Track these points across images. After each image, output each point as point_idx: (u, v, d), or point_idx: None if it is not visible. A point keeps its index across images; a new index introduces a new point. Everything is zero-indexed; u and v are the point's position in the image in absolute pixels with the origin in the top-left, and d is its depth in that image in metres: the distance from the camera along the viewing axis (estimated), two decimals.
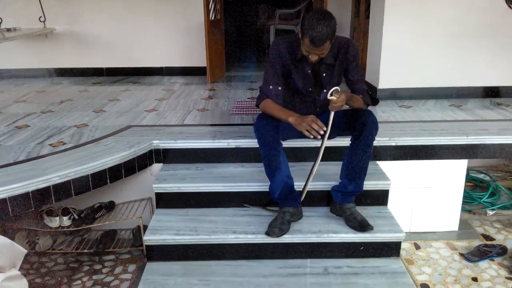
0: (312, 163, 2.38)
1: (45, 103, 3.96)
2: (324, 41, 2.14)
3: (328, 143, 2.41)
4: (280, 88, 2.46)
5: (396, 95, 3.86)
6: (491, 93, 3.88)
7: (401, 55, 3.73)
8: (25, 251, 2.02)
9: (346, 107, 2.39)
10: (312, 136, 2.26)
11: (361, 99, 2.47)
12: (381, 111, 3.48)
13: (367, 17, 4.27)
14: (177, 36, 5.24)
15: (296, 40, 2.36)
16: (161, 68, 5.38)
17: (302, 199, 2.49)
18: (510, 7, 1.24)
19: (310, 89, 2.50)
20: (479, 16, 3.63)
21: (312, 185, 2.56)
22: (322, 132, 2.23)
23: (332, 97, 2.17)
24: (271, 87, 2.44)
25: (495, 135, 2.89)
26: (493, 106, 3.62)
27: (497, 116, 3.35)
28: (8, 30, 4.62)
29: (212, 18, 4.80)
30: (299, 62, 2.41)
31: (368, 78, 4.11)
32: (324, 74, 2.44)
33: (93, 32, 5.21)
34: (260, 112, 2.56)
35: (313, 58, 2.27)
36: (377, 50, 3.81)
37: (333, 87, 2.19)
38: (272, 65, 2.44)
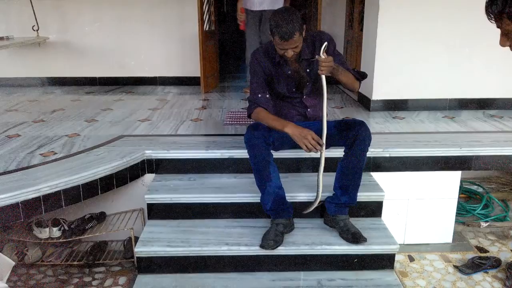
0: (310, 174, 2.36)
1: (37, 112, 3.93)
2: (293, 33, 2.17)
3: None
4: (268, 95, 2.48)
5: (390, 106, 3.87)
6: (484, 105, 3.91)
7: (395, 67, 3.75)
8: (13, 263, 1.99)
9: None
10: (310, 152, 2.26)
11: (350, 73, 2.43)
12: (374, 122, 3.49)
13: (361, 29, 4.29)
14: (171, 46, 5.25)
15: (272, 46, 2.40)
16: (155, 77, 5.37)
17: (309, 211, 2.47)
18: (490, 20, 1.24)
19: (293, 89, 2.52)
20: (472, 28, 3.66)
21: (306, 197, 2.54)
22: (320, 148, 2.24)
23: (320, 57, 2.17)
24: (259, 95, 2.46)
25: (488, 147, 2.89)
26: (486, 118, 3.64)
27: (490, 128, 3.37)
28: (1, 38, 4.61)
29: (206, 29, 4.81)
30: (279, 66, 2.45)
31: (362, 89, 4.12)
32: (308, 70, 2.46)
33: (86, 42, 5.21)
34: (250, 122, 2.55)
35: (289, 54, 2.28)
36: (371, 62, 3.82)
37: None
38: (255, 75, 2.48)
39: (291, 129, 2.29)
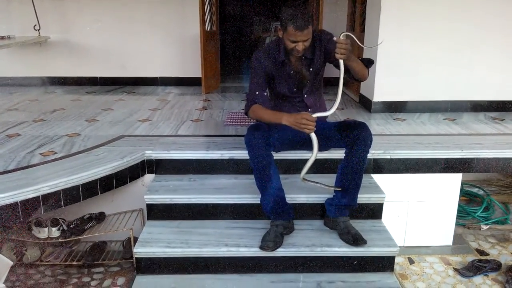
0: (310, 175, 2.33)
1: (37, 111, 3.92)
2: (307, 23, 2.19)
3: (322, 155, 2.38)
4: (266, 93, 2.49)
5: (391, 108, 3.86)
6: (485, 107, 3.90)
7: (396, 69, 3.74)
8: (11, 262, 1.98)
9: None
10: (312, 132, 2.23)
11: (359, 60, 2.38)
12: (375, 124, 3.48)
13: (363, 30, 4.29)
14: (172, 47, 5.25)
15: (273, 46, 2.42)
16: (156, 78, 5.37)
17: (302, 176, 2.38)
18: None
19: (294, 89, 2.52)
20: (474, 30, 3.66)
21: (306, 198, 2.54)
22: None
23: (339, 38, 2.12)
24: (257, 92, 2.47)
25: (489, 149, 2.88)
26: (487, 120, 3.63)
27: (491, 130, 3.36)
28: (2, 38, 4.61)
29: (208, 29, 4.81)
30: (281, 66, 2.45)
31: (363, 91, 4.12)
32: (311, 69, 2.46)
33: (88, 41, 5.21)
34: (251, 123, 2.55)
35: (300, 47, 2.26)
36: None
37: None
38: (256, 74, 2.47)
39: (287, 120, 2.27)
